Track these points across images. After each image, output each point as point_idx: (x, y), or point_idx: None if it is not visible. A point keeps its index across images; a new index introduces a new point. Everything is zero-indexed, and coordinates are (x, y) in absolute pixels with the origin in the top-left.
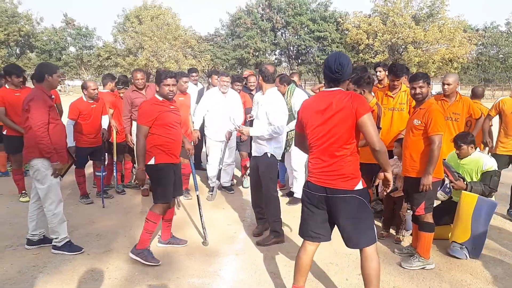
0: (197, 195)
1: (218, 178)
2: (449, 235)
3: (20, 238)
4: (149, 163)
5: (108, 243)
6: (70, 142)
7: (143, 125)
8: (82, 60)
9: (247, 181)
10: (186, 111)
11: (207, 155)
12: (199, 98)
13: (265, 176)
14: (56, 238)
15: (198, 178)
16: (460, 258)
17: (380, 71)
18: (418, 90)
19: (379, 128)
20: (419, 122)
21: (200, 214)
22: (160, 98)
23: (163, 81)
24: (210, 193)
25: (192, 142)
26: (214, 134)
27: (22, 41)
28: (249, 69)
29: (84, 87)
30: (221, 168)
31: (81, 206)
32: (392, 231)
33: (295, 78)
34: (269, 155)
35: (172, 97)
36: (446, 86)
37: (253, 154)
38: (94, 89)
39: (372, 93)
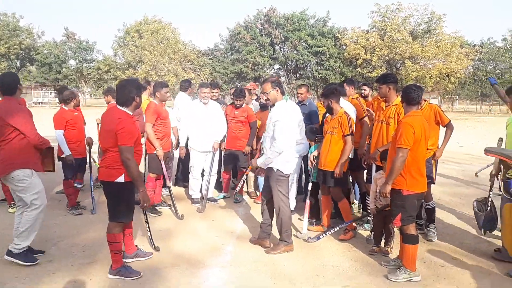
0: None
1: (207, 188)
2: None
3: (4, 248)
4: (118, 180)
5: (93, 254)
6: (67, 151)
7: (131, 146)
8: (82, 73)
9: (240, 197)
10: (169, 120)
11: (190, 167)
12: None
13: (274, 189)
14: (16, 244)
15: (182, 190)
16: None
17: (365, 90)
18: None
19: (351, 134)
20: (395, 135)
21: (146, 221)
22: (131, 113)
23: (139, 93)
24: (197, 205)
25: (179, 156)
26: (197, 144)
27: (23, 54)
28: (247, 82)
29: (72, 97)
30: (210, 178)
31: (69, 216)
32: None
33: (303, 90)
34: (275, 169)
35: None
36: None
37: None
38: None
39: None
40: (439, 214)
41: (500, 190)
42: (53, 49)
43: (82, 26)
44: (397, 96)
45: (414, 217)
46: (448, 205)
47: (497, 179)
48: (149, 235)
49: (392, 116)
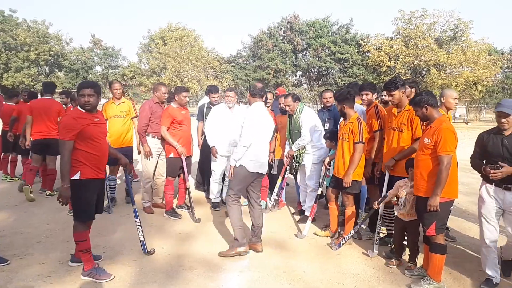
0: (134, 209)
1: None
2: None
3: (28, 247)
4: (73, 178)
5: (114, 255)
6: None
7: (67, 140)
8: (108, 79)
9: (263, 202)
10: (188, 125)
11: (211, 170)
12: (199, 114)
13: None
14: None
15: (202, 194)
16: None
17: (367, 94)
18: (363, 97)
19: (361, 142)
20: (429, 141)
21: (139, 225)
22: (83, 110)
23: (79, 91)
24: (217, 209)
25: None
26: (220, 148)
27: (52, 60)
28: (269, 89)
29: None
30: None
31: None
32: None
33: (330, 94)
34: (237, 164)
35: (90, 108)
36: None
37: None
38: None
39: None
40: (465, 224)
41: None
42: (80, 55)
43: (108, 33)
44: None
45: (446, 225)
46: (475, 216)
47: None
48: (142, 239)
49: (405, 123)
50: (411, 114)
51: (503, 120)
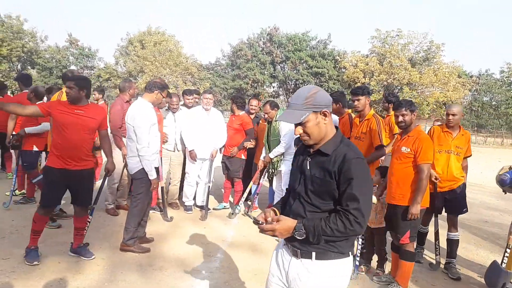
0: (93, 208)
1: (206, 196)
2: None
3: None
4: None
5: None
6: None
7: (38, 107)
8: None
9: (238, 208)
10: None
11: (186, 173)
12: None
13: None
14: None
15: None
16: None
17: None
18: (400, 118)
19: None
20: (408, 150)
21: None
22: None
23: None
24: (190, 212)
25: (189, 161)
26: (196, 152)
27: (25, 57)
28: (247, 98)
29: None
30: (209, 186)
31: None
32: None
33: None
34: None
35: (70, 100)
36: (451, 117)
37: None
38: None
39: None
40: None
41: None
42: (55, 54)
43: (85, 33)
44: (371, 109)
45: (417, 233)
46: (443, 228)
47: None
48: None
49: (364, 131)
50: (370, 123)
51: (296, 128)
